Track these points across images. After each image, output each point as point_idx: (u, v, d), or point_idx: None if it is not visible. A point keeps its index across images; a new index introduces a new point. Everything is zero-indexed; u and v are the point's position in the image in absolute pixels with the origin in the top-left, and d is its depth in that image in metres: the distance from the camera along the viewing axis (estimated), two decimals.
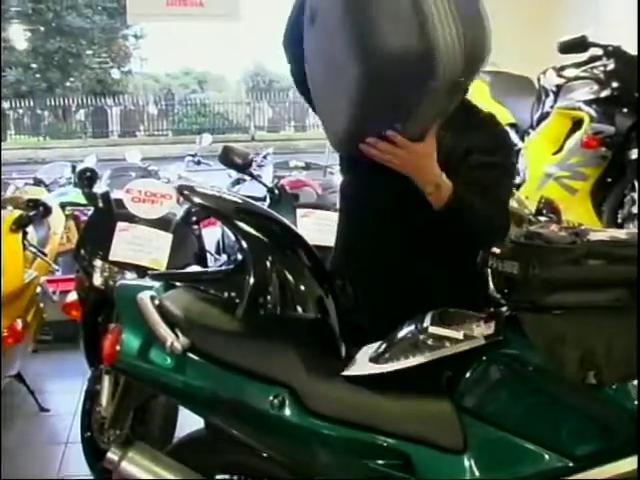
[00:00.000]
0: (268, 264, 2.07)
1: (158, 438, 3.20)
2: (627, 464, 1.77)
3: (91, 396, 3.40)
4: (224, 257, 4.69)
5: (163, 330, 2.06)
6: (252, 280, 2.06)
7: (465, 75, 2.01)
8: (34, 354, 4.45)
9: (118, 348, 2.17)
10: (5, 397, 4.20)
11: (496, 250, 1.94)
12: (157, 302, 2.15)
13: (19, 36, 22.71)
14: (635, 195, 3.75)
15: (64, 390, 4.55)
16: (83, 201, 6.04)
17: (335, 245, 2.52)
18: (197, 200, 2.31)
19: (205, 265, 3.63)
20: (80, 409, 3.51)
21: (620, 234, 1.98)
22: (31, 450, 3.91)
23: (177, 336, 2.05)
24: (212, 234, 4.85)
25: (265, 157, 7.59)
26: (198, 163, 7.44)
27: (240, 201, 2.35)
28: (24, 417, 4.30)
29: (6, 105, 22.72)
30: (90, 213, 3.81)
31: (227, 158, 3.85)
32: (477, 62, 2.04)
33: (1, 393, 3.51)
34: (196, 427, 2.48)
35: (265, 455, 2.08)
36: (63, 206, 5.68)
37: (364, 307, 2.36)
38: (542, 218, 3.22)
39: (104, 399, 3.20)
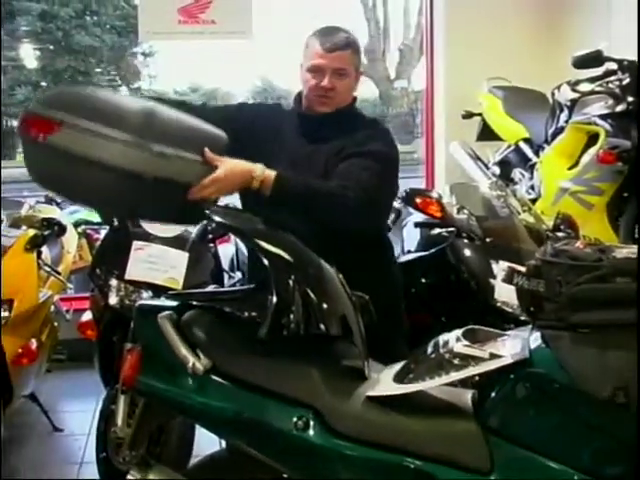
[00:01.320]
0: (291, 283, 2.05)
1: (174, 459, 3.17)
2: None
3: (106, 416, 3.37)
4: (238, 274, 4.67)
5: (184, 351, 2.05)
6: (275, 299, 2.04)
7: None
8: (47, 373, 4.42)
9: (138, 370, 2.15)
10: (19, 417, 4.19)
11: (522, 268, 1.92)
12: (177, 323, 2.13)
13: (29, 55, 22.82)
14: None
15: (78, 410, 4.53)
16: (95, 219, 6.06)
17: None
18: (218, 219, 2.30)
19: (221, 283, 3.62)
20: (94, 429, 3.50)
21: None
22: (45, 470, 3.88)
23: (198, 357, 2.04)
24: (226, 251, 4.82)
25: None
26: None
27: (260, 219, 2.33)
28: (38, 437, 4.27)
29: (15, 123, 22.78)
30: (105, 232, 3.80)
31: None
32: None
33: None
34: (212, 448, 2.47)
35: (288, 477, 2.06)
36: (75, 225, 5.67)
37: None
38: (559, 233, 3.21)
39: (120, 419, 3.17)
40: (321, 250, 2.23)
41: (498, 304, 3.05)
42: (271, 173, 2.45)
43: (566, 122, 4.17)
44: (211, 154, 2.38)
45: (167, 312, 2.15)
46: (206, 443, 3.06)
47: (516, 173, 4.70)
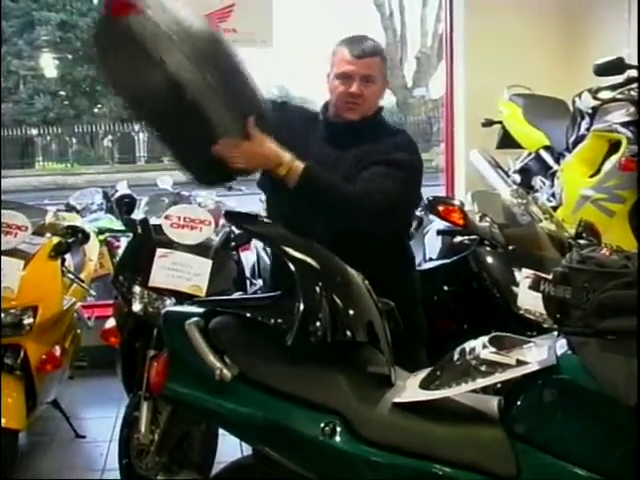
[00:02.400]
0: (318, 290, 2.06)
1: (197, 465, 3.20)
2: None
3: (129, 423, 3.39)
4: (260, 282, 4.69)
5: (212, 358, 2.06)
6: (302, 306, 2.05)
7: None
8: (70, 380, 4.45)
9: (166, 376, 2.16)
10: (41, 423, 4.21)
11: (544, 274, 1.93)
12: (204, 329, 2.15)
13: (48, 64, 22.98)
14: None
15: (100, 416, 4.56)
16: (116, 227, 6.11)
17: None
18: (245, 225, 2.32)
19: (245, 290, 3.63)
20: (116, 436, 3.52)
21: None
22: (67, 477, 3.90)
23: (226, 364, 2.05)
24: (247, 258, 4.84)
25: None
26: (229, 188, 7.45)
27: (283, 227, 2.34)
28: (60, 443, 4.29)
29: (34, 132, 22.94)
30: (129, 239, 3.82)
31: None
32: None
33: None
34: (234, 455, 2.48)
35: None
36: (97, 232, 5.71)
37: None
38: (582, 241, 3.20)
39: (143, 426, 3.21)
40: (339, 254, 2.25)
41: (521, 312, 3.05)
42: (300, 164, 2.52)
43: (587, 130, 4.17)
44: (252, 124, 2.44)
45: (194, 319, 2.17)
46: (228, 450, 3.09)
47: (537, 181, 4.69)
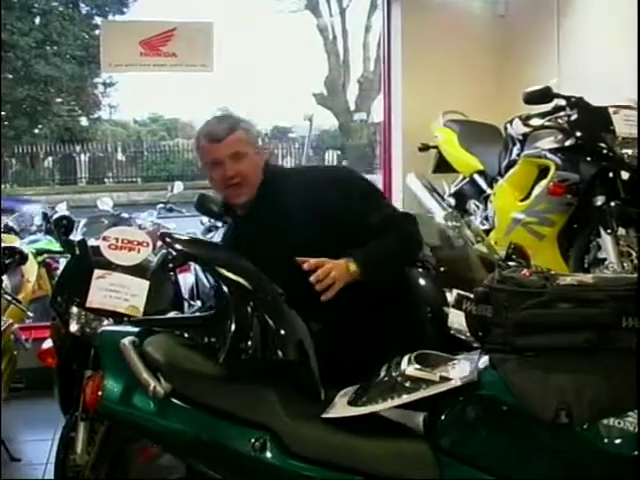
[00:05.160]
0: (249, 309, 2.12)
1: None
2: None
3: (65, 444, 3.38)
4: (198, 303, 4.71)
5: (145, 375, 2.10)
6: (234, 325, 2.10)
7: None
8: (5, 402, 4.40)
9: (100, 394, 2.19)
10: None
11: (470, 294, 2.01)
12: (139, 348, 2.19)
13: None
14: (600, 241, 3.83)
15: (36, 439, 4.50)
16: (55, 248, 6.06)
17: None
18: (179, 247, 2.36)
19: (181, 311, 3.65)
20: (53, 458, 3.49)
21: (587, 278, 2.04)
22: None
23: (159, 381, 2.09)
24: (186, 280, 4.86)
25: None
26: (170, 210, 7.48)
27: (220, 248, 2.40)
28: None
29: None
30: (67, 261, 3.82)
31: (203, 205, 3.88)
32: None
33: None
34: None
35: None
36: (35, 254, 5.67)
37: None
38: (511, 263, 3.30)
39: (79, 446, 3.19)
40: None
41: (452, 332, 3.13)
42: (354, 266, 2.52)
43: (518, 155, 4.28)
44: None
45: (129, 337, 2.21)
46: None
47: (471, 204, 4.80)
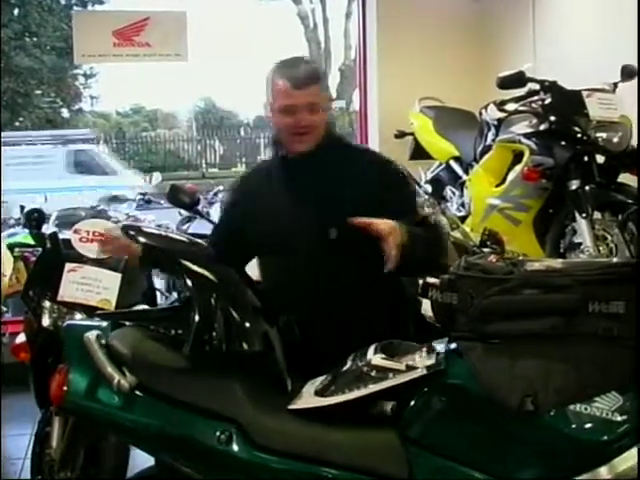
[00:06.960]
0: (213, 301, 2.10)
1: (110, 478, 3.18)
2: None
3: (41, 439, 3.36)
4: (174, 295, 4.68)
5: (109, 369, 2.08)
6: (197, 317, 2.08)
7: None
8: None
9: (65, 388, 2.17)
10: None
11: (435, 281, 1.99)
12: (104, 341, 2.17)
13: None
14: (575, 225, 3.83)
15: (14, 434, 4.48)
16: (32, 242, 6.01)
17: (267, 281, 2.58)
18: (142, 240, 2.33)
19: (154, 304, 3.63)
20: (30, 453, 3.48)
21: (556, 264, 2.03)
22: None
23: (124, 374, 2.07)
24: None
25: (216, 194, 7.65)
26: (149, 202, 7.44)
27: (186, 240, 2.38)
28: None
29: None
30: (38, 254, 3.79)
31: (174, 197, 3.85)
32: None
33: None
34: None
35: None
36: (12, 247, 5.62)
37: (310, 342, 2.41)
38: (486, 249, 3.29)
39: (54, 441, 3.18)
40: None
41: (427, 319, 3.11)
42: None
43: (493, 141, 4.27)
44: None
45: (93, 331, 2.19)
46: (143, 463, 3.07)
47: (447, 191, 4.79)
